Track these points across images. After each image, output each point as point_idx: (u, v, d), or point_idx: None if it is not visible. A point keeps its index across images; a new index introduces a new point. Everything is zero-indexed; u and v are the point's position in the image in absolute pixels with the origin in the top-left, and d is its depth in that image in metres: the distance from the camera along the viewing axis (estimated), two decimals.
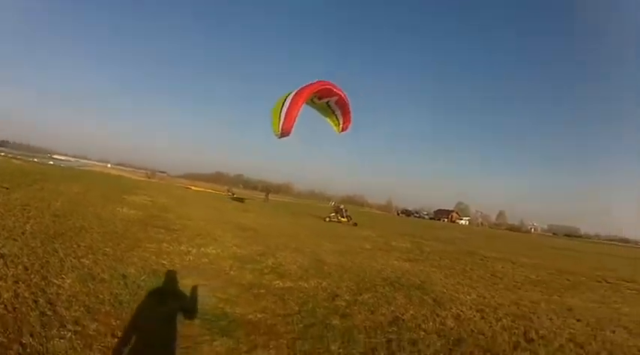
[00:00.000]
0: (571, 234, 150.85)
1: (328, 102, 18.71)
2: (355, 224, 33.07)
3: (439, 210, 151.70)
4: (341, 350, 5.63)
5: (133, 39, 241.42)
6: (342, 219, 34.19)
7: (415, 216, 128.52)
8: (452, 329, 7.34)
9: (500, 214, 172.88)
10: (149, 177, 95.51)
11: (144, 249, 10.43)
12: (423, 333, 6.82)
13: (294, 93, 15.36)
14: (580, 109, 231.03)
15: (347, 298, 8.48)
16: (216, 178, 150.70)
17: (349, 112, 19.20)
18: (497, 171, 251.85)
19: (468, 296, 10.38)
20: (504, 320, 8.47)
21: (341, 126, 19.55)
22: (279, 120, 14.86)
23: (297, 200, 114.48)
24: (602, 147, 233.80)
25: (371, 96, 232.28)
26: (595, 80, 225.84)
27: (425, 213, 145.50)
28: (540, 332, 7.99)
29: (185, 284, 7.98)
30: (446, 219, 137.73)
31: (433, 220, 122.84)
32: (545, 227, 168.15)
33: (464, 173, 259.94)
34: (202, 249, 11.85)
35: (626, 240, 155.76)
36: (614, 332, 8.75)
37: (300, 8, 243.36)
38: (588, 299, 12.46)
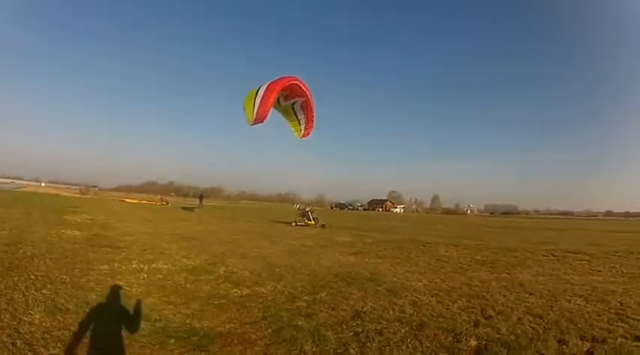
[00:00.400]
0: (509, 212, 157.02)
1: (294, 105, 18.69)
2: (323, 226, 32.28)
3: (373, 200, 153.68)
4: (314, 349, 5.79)
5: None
6: (310, 221, 33.43)
7: (349, 209, 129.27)
8: (412, 315, 7.65)
9: (435, 199, 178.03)
10: (83, 194, 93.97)
11: (98, 271, 10.21)
12: (386, 323, 7.09)
13: (266, 85, 15.48)
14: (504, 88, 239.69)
15: (306, 298, 8.60)
16: (148, 188, 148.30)
17: (313, 118, 19.12)
18: (428, 158, 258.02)
19: (419, 283, 10.75)
20: (460, 302, 8.84)
21: (302, 131, 19.34)
22: (254, 107, 15.02)
23: (230, 203, 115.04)
24: (536, 123, 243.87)
25: None
26: (514, 63, 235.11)
27: (359, 204, 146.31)
28: (497, 308, 8.43)
29: (148, 303, 7.88)
30: (380, 209, 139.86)
31: (368, 211, 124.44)
32: (482, 207, 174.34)
33: (395, 162, 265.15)
34: (153, 264, 11.65)
35: (568, 213, 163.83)
36: (569, 301, 9.27)
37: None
38: (537, 274, 13.09)
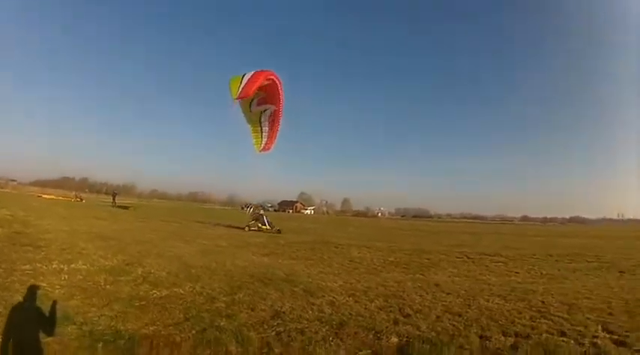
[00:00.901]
0: (420, 216, 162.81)
1: (262, 113, 18.86)
2: (279, 231, 30.12)
3: (283, 201, 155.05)
4: (239, 350, 5.87)
5: None
6: (264, 226, 30.57)
7: None
8: (331, 315, 7.90)
9: (345, 201, 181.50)
10: (2, 187, 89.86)
11: (21, 272, 9.75)
12: (306, 322, 7.30)
13: (252, 72, 15.77)
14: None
15: (224, 299, 8.63)
16: (63, 183, 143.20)
17: (276, 132, 19.25)
18: (341, 162, 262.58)
19: (335, 284, 11.07)
20: (377, 301, 9.18)
21: (262, 145, 19.40)
22: (240, 85, 15.17)
23: (142, 201, 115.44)
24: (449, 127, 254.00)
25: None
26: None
27: (269, 205, 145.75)
28: (414, 307, 8.83)
29: (72, 305, 7.60)
30: (291, 210, 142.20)
31: (278, 212, 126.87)
32: (393, 211, 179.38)
33: (306, 165, 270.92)
34: (73, 264, 11.21)
35: (482, 218, 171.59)
36: (488, 300, 9.88)
37: None
38: (452, 274, 13.79)
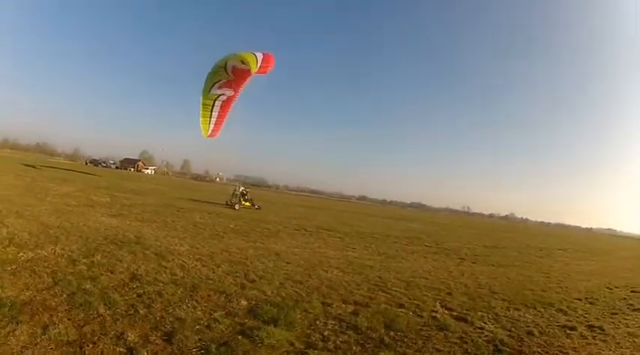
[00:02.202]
0: (259, 185, 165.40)
1: (216, 99, 19.63)
2: (259, 207, 33.10)
3: (126, 159, 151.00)
4: (108, 312, 5.95)
5: None
6: (246, 203, 32.48)
7: (103, 166, 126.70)
8: (183, 278, 8.39)
9: (186, 163, 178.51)
10: None
11: None
12: (162, 285, 7.65)
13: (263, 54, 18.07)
14: None
15: (85, 261, 8.63)
16: None
17: (224, 118, 20.22)
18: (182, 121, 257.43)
19: (182, 248, 11.62)
20: (223, 266, 9.89)
21: (210, 131, 20.33)
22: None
23: None
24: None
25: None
26: None
27: (112, 162, 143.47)
28: (258, 273, 9.64)
29: None
30: (132, 169, 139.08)
31: (120, 170, 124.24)
32: (232, 177, 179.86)
33: (149, 123, 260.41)
34: None
35: (319, 192, 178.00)
36: (327, 271, 11.00)
37: None
38: (291, 245, 14.84)
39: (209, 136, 20.59)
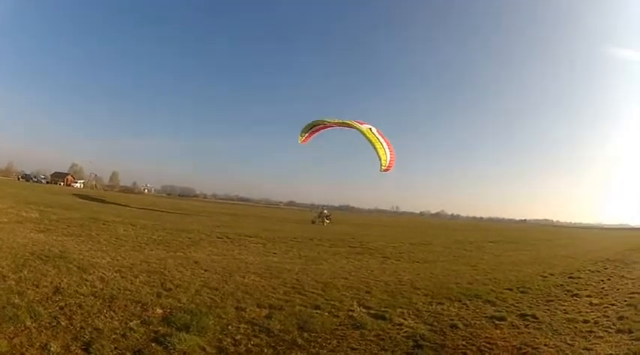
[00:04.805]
0: (186, 195, 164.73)
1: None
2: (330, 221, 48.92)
3: (56, 172, 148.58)
4: (34, 325, 6.20)
5: None
6: (327, 221, 48.51)
7: (34, 181, 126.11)
8: (102, 289, 8.67)
9: (114, 175, 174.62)
10: None
11: None
12: (82, 297, 7.92)
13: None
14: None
15: (13, 276, 8.94)
16: None
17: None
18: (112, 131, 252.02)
19: (103, 260, 11.94)
20: (141, 277, 10.25)
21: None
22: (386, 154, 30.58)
23: None
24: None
25: None
26: None
27: (42, 177, 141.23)
28: (175, 282, 10.05)
29: None
30: (62, 183, 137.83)
31: (50, 184, 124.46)
32: (160, 188, 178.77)
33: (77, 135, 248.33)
34: None
35: (247, 200, 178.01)
36: (244, 277, 11.45)
37: None
38: (212, 253, 15.32)
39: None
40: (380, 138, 31.82)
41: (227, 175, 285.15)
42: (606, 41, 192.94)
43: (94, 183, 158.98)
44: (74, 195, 60.81)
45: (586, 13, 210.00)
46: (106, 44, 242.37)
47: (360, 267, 14.96)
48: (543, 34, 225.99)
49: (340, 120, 33.76)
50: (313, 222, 47.69)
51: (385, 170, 31.57)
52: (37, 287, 8.25)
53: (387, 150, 31.40)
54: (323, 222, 47.69)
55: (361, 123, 32.21)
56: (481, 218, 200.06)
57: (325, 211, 51.13)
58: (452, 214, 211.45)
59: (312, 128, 35.47)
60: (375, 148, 31.23)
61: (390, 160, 31.51)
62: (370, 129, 31.78)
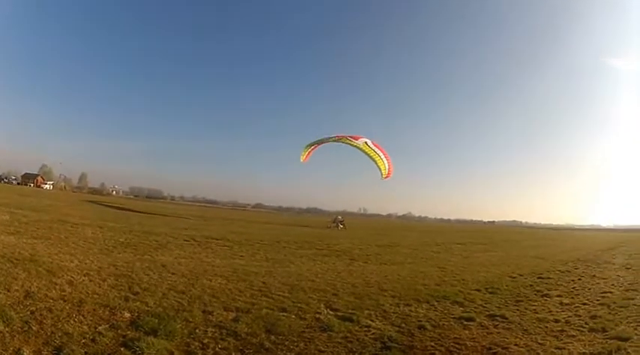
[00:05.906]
0: (153, 197, 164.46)
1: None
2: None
3: (26, 174, 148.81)
4: (7, 329, 6.28)
5: None
6: (341, 226, 52.40)
7: (5, 182, 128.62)
8: (71, 293, 8.77)
9: (83, 177, 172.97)
10: None
11: None
12: (52, 301, 8.00)
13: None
14: None
15: None
16: None
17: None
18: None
19: (72, 263, 11.97)
20: (109, 280, 10.38)
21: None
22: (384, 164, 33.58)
23: None
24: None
25: None
26: None
27: (13, 178, 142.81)
28: (142, 285, 10.19)
29: None
30: (32, 184, 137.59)
31: (21, 185, 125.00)
32: (128, 189, 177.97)
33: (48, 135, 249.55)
34: None
35: (214, 202, 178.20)
36: (211, 280, 11.62)
37: None
38: (179, 256, 15.48)
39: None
40: (376, 149, 35.15)
41: (194, 177, 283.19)
42: (596, 49, 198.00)
43: (63, 184, 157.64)
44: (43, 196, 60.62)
45: (575, 24, 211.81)
46: (72, 44, 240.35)
47: (327, 269, 15.24)
48: (529, 44, 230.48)
49: (337, 137, 36.40)
50: (328, 227, 51.59)
51: (386, 178, 35.35)
52: (8, 291, 8.30)
53: (385, 160, 34.43)
54: (337, 227, 52.21)
55: (356, 139, 35.26)
56: (449, 219, 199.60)
57: (339, 217, 56.09)
58: (419, 216, 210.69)
59: (313, 146, 37.93)
60: (374, 161, 34.56)
61: (389, 168, 34.86)
62: (366, 142, 34.84)
